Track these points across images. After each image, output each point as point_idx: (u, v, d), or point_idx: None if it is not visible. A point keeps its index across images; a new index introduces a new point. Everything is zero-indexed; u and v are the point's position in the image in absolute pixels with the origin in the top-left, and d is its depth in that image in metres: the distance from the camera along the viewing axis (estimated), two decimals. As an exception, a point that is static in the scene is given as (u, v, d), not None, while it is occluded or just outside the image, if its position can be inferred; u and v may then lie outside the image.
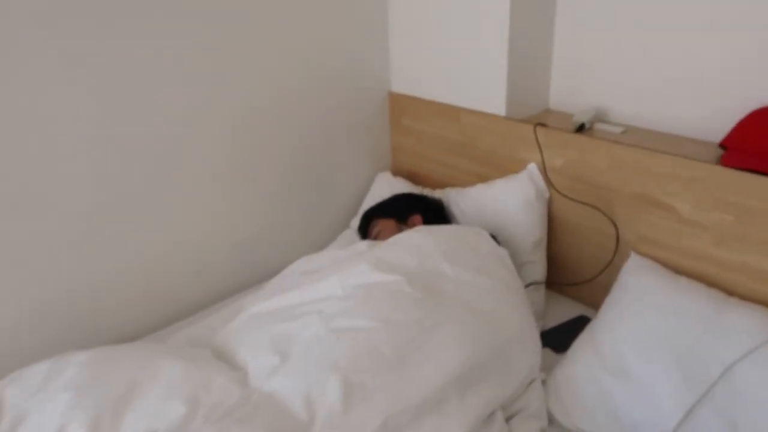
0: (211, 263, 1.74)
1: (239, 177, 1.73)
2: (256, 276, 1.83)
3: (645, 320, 1.31)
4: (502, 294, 1.33)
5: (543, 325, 1.58)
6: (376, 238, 1.72)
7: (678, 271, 1.43)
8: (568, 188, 1.62)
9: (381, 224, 1.73)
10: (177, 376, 1.14)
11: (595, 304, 1.62)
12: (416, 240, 1.40)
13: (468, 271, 1.34)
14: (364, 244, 1.52)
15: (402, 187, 1.97)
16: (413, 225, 1.70)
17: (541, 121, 1.69)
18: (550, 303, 1.67)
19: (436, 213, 1.76)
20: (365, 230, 1.78)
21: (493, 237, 1.53)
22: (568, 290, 1.72)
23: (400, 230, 1.70)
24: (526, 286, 1.58)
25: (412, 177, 2.08)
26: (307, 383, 1.04)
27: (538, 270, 1.63)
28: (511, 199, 1.66)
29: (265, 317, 1.32)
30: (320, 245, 1.94)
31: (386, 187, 1.98)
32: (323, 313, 1.23)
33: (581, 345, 1.37)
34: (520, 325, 1.30)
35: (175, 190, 1.60)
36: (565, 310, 1.65)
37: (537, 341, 1.32)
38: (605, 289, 1.52)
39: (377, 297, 1.22)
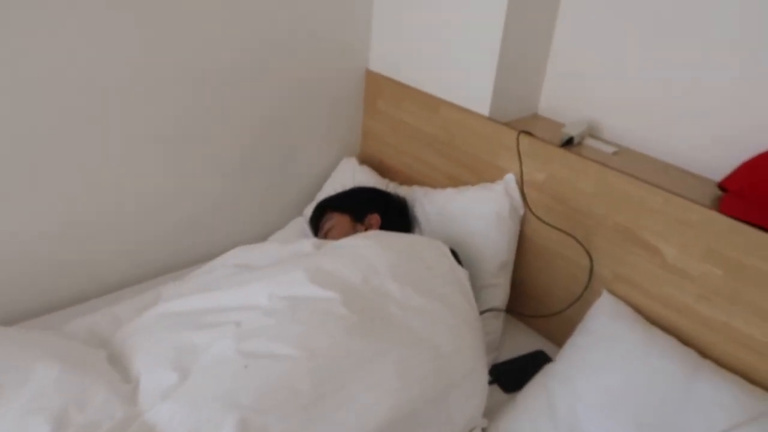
0: (144, 239, 1.54)
1: (188, 144, 1.52)
2: (195, 257, 1.64)
3: (608, 376, 1.15)
4: (454, 325, 1.16)
5: (496, 357, 1.42)
6: (326, 234, 1.54)
7: (652, 320, 1.28)
8: (545, 208, 1.44)
9: (335, 219, 1.54)
10: (50, 384, 0.95)
11: (557, 339, 1.47)
12: (364, 250, 1.22)
13: (419, 295, 1.16)
14: (309, 244, 1.34)
15: (367, 176, 1.77)
16: (370, 225, 1.52)
17: (527, 126, 1.50)
18: (508, 331, 1.50)
19: (397, 214, 1.58)
20: (316, 223, 1.59)
21: (454, 253, 1.35)
22: (530, 319, 1.56)
23: (354, 229, 1.52)
24: (483, 312, 1.41)
25: (379, 167, 1.89)
26: (197, 419, 0.86)
27: (500, 295, 1.46)
28: (481, 211, 1.48)
29: (175, 319, 1.14)
30: (268, 231, 1.74)
31: (349, 174, 1.79)
32: (240, 327, 1.05)
33: (533, 392, 1.22)
34: (470, 365, 1.13)
35: (107, 149, 1.39)
36: (523, 342, 1.49)
37: (484, 385, 1.15)
38: (570, 325, 1.36)
39: (304, 317, 1.04)
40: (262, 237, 1.73)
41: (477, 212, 1.48)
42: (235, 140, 1.61)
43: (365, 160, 1.93)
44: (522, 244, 1.51)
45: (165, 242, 1.58)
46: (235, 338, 1.01)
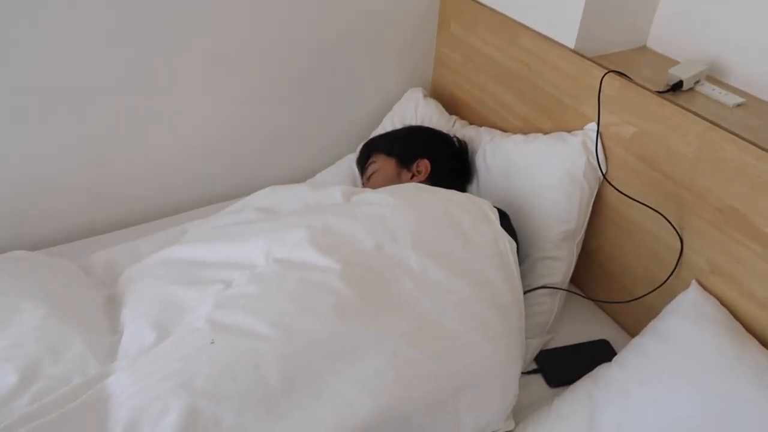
0: (193, 167, 1.46)
1: (245, 66, 1.39)
2: (241, 190, 1.53)
3: (675, 395, 0.91)
4: (482, 310, 0.96)
5: (548, 341, 1.20)
6: (369, 178, 1.36)
7: (751, 330, 0.99)
8: (630, 171, 1.14)
9: (380, 162, 1.35)
10: (28, 332, 0.90)
11: (631, 327, 1.22)
12: (386, 209, 1.03)
13: (443, 269, 0.97)
14: (339, 192, 1.17)
15: (431, 111, 1.54)
16: (417, 173, 1.32)
17: (626, 63, 1.18)
18: (571, 311, 1.26)
19: (452, 162, 1.35)
20: (362, 165, 1.41)
21: (505, 217, 1.12)
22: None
23: (398, 176, 1.33)
24: (535, 289, 1.19)
25: (450, 101, 1.64)
26: (146, 397, 0.76)
27: (561, 270, 1.21)
28: (550, 166, 1.21)
29: (173, 268, 1.04)
30: (321, 166, 1.59)
31: (412, 107, 1.57)
32: (228, 288, 0.93)
33: (575, 397, 1.00)
34: (495, 360, 0.94)
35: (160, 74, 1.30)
36: (586, 326, 1.25)
37: (514, 383, 0.96)
38: (650, 312, 1.11)
39: (291, 289, 0.89)
40: (313, 173, 1.58)
41: (544, 167, 1.22)
42: (299, 63, 1.45)
43: (437, 92, 1.69)
44: (598, 210, 1.24)
45: (212, 174, 1.49)
46: (214, 303, 0.89)
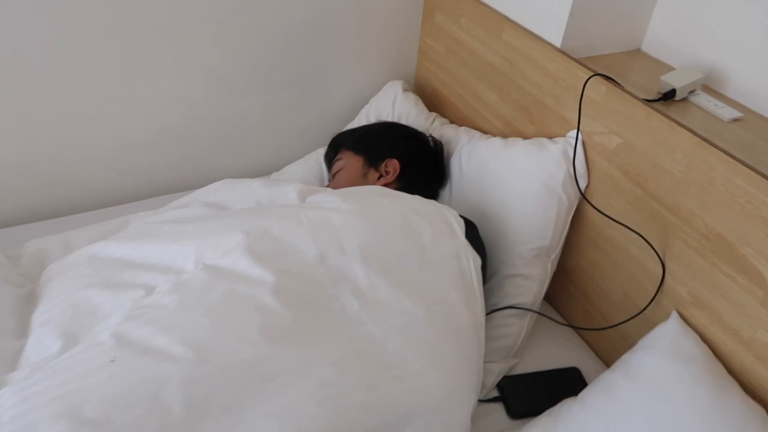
0: (152, 159, 1.35)
1: (212, 48, 1.28)
2: (200, 182, 1.43)
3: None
4: (432, 334, 0.86)
5: (514, 365, 1.10)
6: (334, 176, 1.26)
7: (735, 372, 0.89)
8: (612, 187, 1.04)
9: (346, 159, 1.25)
10: None
11: (603, 355, 1.12)
12: (337, 215, 0.92)
13: (393, 287, 0.86)
14: (294, 192, 1.07)
15: (409, 107, 1.44)
16: (386, 173, 1.22)
17: (617, 66, 1.08)
18: (541, 334, 1.16)
19: (423, 163, 1.24)
20: (329, 160, 1.31)
21: (471, 227, 1.02)
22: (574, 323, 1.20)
23: (364, 176, 1.22)
24: (501, 308, 1.08)
25: (432, 97, 1.53)
26: (18, 426, 0.66)
27: (532, 290, 1.11)
28: (526, 175, 1.11)
29: (101, 266, 0.94)
30: (287, 159, 1.49)
31: (389, 102, 1.46)
32: (150, 296, 0.82)
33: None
34: (447, 389, 0.84)
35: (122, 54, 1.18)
36: (556, 349, 1.14)
37: (463, 421, 0.86)
38: (623, 342, 1.02)
39: (215, 303, 0.78)
40: (278, 166, 1.48)
41: (521, 176, 1.12)
42: (268, 44, 1.34)
43: (420, 86, 1.58)
44: (577, 227, 1.13)
45: (167, 161, 1.39)
46: (126, 313, 0.79)
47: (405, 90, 1.48)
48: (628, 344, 1.02)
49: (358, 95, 1.53)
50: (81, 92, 1.21)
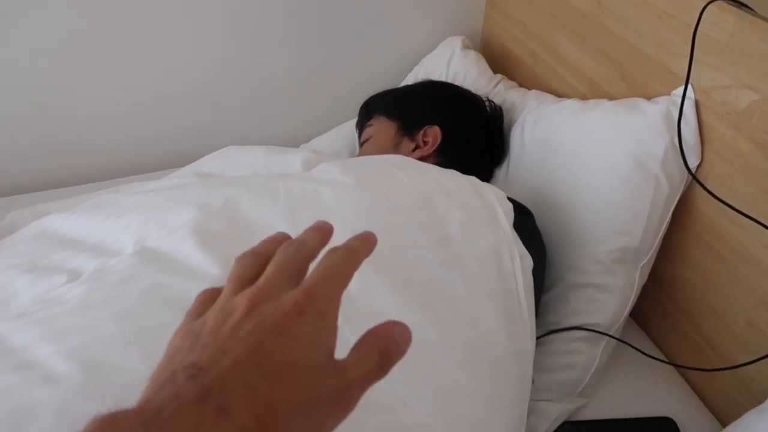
0: (158, 121, 1.18)
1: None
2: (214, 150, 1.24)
3: None
4: (448, 368, 0.59)
5: (579, 408, 0.80)
6: (362, 145, 1.01)
7: None
8: (739, 168, 0.71)
9: (377, 125, 1.00)
10: None
11: (713, 403, 0.80)
12: (326, 188, 0.67)
13: (396, 293, 0.60)
14: (300, 159, 0.83)
15: (468, 66, 1.16)
16: (424, 144, 0.95)
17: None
18: (620, 364, 0.85)
19: (474, 135, 0.97)
20: (361, 127, 1.06)
21: (523, 216, 0.74)
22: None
23: (397, 146, 0.97)
24: (564, 330, 0.79)
25: (500, 57, 1.24)
26: None
27: (611, 307, 0.80)
28: (610, 147, 0.80)
29: (41, 242, 0.75)
30: (318, 129, 1.26)
31: (443, 61, 1.19)
32: (63, 286, 0.62)
33: None
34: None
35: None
36: (642, 389, 0.83)
37: None
38: (745, 390, 0.70)
39: (130, 300, 0.56)
40: (306, 138, 1.25)
41: (600, 149, 0.81)
42: None
43: (486, 44, 1.30)
44: (681, 222, 0.81)
45: (184, 131, 1.20)
46: (23, 307, 0.58)
47: (465, 47, 1.20)
48: (753, 395, 0.70)
49: (407, 55, 1.26)
50: (81, 46, 1.05)
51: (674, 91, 0.78)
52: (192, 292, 0.52)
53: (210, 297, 0.34)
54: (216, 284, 0.53)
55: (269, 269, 0.33)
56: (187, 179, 0.87)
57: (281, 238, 0.37)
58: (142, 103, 1.14)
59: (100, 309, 0.55)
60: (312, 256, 0.35)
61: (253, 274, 0.33)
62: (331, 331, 0.31)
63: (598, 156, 0.81)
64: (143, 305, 0.55)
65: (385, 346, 0.32)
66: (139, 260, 0.60)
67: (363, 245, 0.35)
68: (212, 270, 0.58)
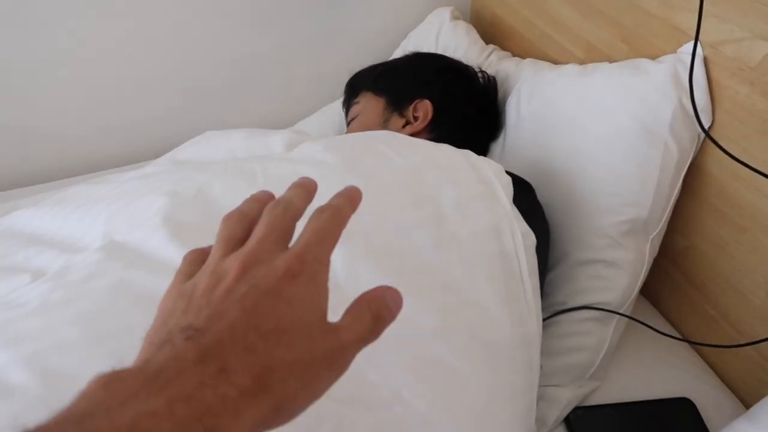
0: (134, 109, 1.11)
1: None
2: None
3: None
4: (451, 358, 0.54)
5: (591, 391, 0.75)
6: (349, 124, 0.96)
7: None
8: (754, 127, 0.66)
9: (364, 102, 0.94)
10: None
11: (733, 382, 0.75)
12: (308, 168, 0.62)
13: (387, 276, 0.55)
14: (282, 141, 0.77)
15: (458, 38, 1.10)
16: (414, 119, 0.90)
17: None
18: (632, 343, 0.80)
19: (467, 108, 0.91)
20: (347, 105, 1.00)
21: (523, 189, 0.69)
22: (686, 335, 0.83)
23: (386, 123, 0.91)
24: (572, 310, 0.74)
25: (491, 27, 1.18)
26: None
27: (620, 283, 0.75)
28: (613, 112, 0.75)
29: (11, 238, 0.70)
30: (303, 111, 1.20)
31: (432, 33, 1.13)
32: (25, 287, 0.56)
33: None
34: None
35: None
36: (656, 370, 0.79)
37: None
38: (763, 364, 0.64)
39: (89, 303, 0.50)
40: (291, 121, 1.19)
41: (603, 114, 0.75)
42: None
43: (476, 15, 1.23)
44: (692, 189, 0.76)
45: (162, 118, 1.14)
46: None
47: (455, 18, 1.14)
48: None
49: (394, 30, 1.20)
50: (42, 26, 0.98)
51: (681, 49, 0.73)
52: (162, 288, 0.47)
53: (198, 257, 0.35)
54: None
55: (258, 231, 0.32)
56: (160, 167, 0.82)
57: (265, 197, 0.37)
58: (110, 90, 1.07)
59: (61, 310, 0.50)
60: (299, 215, 0.35)
61: (240, 235, 0.33)
62: (323, 293, 0.31)
63: (600, 123, 0.75)
64: (108, 305, 0.50)
65: (377, 309, 0.32)
66: (104, 255, 0.55)
67: (348, 202, 0.35)
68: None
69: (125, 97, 1.09)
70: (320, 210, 0.34)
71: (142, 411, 0.24)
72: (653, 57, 0.77)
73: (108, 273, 0.53)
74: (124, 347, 0.45)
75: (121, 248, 0.56)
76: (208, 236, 0.56)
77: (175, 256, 0.53)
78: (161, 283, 0.50)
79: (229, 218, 0.35)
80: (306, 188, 0.37)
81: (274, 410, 0.27)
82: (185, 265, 0.35)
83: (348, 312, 0.32)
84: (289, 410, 0.28)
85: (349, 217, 0.35)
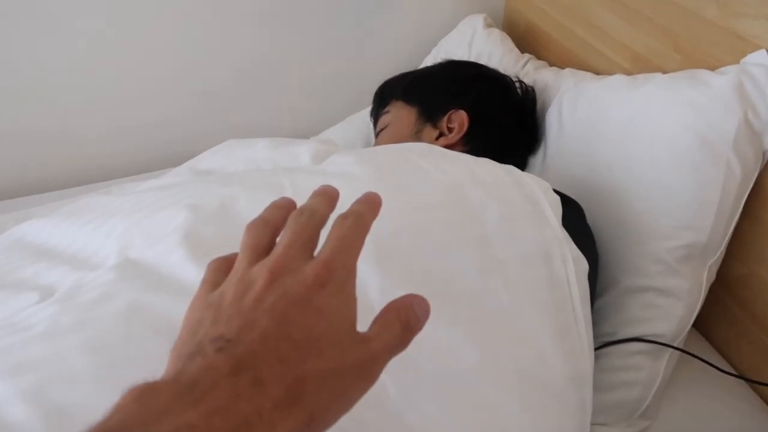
0: (142, 115, 1.07)
1: None
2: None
3: None
4: (496, 398, 0.48)
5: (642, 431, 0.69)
6: (378, 135, 0.91)
7: None
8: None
9: (394, 112, 0.89)
10: None
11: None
12: (338, 183, 0.56)
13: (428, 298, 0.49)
14: (309, 152, 0.72)
15: (492, 46, 1.05)
16: (449, 131, 0.84)
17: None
18: (687, 379, 0.73)
19: (505, 119, 0.86)
20: (376, 114, 0.95)
21: (572, 209, 0.63)
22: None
23: (418, 135, 0.86)
24: (621, 341, 0.68)
25: (526, 35, 1.13)
26: None
27: (675, 313, 0.68)
28: (669, 126, 0.69)
29: (22, 251, 0.65)
30: (328, 120, 1.15)
31: (464, 41, 1.08)
32: (46, 301, 0.52)
33: None
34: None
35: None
36: (711, 408, 0.72)
37: None
38: None
39: (100, 329, 0.45)
40: (314, 131, 1.15)
41: (658, 129, 0.69)
42: None
43: (509, 22, 1.18)
44: (753, 212, 0.69)
45: (175, 125, 1.10)
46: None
47: (488, 25, 1.09)
48: None
49: (424, 37, 1.15)
50: (62, 31, 0.95)
51: (745, 59, 0.67)
52: (180, 313, 0.42)
53: (222, 266, 0.34)
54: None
55: (284, 239, 0.32)
56: (181, 177, 0.77)
57: (287, 204, 0.37)
58: (129, 98, 1.04)
59: (68, 336, 0.45)
60: (323, 223, 0.34)
61: (265, 243, 0.33)
62: (352, 302, 0.31)
63: (654, 138, 0.69)
64: (121, 331, 0.45)
65: (406, 317, 0.32)
66: (119, 275, 0.50)
67: (369, 208, 0.35)
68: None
69: (140, 99, 1.05)
70: (343, 217, 0.33)
71: (179, 424, 0.23)
72: (711, 68, 0.71)
73: (121, 295, 0.48)
74: (136, 379, 0.40)
75: (136, 267, 0.51)
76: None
77: (194, 276, 0.48)
78: (179, 307, 0.45)
79: (253, 226, 0.35)
80: (329, 195, 0.36)
81: (307, 422, 0.26)
82: (210, 273, 0.35)
83: (376, 321, 0.31)
84: (321, 422, 0.27)
85: (371, 222, 0.34)
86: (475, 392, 0.48)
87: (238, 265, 0.32)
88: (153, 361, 0.43)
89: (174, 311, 0.45)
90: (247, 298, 0.29)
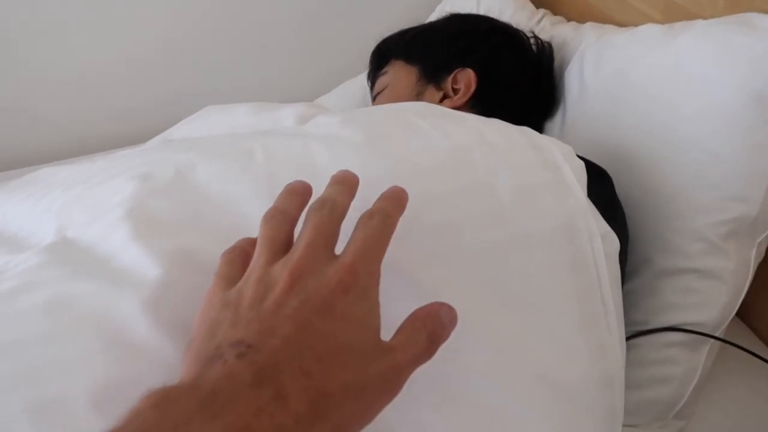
0: (135, 85, 0.99)
1: None
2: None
3: None
4: (509, 402, 0.40)
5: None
6: (375, 98, 0.81)
7: None
8: None
9: (393, 72, 0.80)
10: None
11: None
12: (319, 148, 0.47)
13: (427, 296, 0.40)
14: (294, 114, 0.62)
15: (503, 1, 0.95)
16: (454, 92, 0.75)
17: None
18: (731, 372, 0.64)
19: (519, 79, 0.76)
20: (373, 76, 0.86)
21: (599, 178, 0.54)
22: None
23: (419, 96, 0.76)
24: (656, 331, 0.59)
25: (540, -11, 1.02)
26: None
27: (718, 297, 0.59)
28: (713, 80, 0.58)
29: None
30: (324, 86, 1.06)
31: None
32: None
33: None
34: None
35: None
36: (757, 407, 0.63)
37: None
38: None
39: (19, 329, 0.37)
40: (310, 97, 1.05)
41: (699, 85, 0.59)
42: None
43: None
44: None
45: (165, 96, 1.01)
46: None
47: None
48: None
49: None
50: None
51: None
52: (114, 309, 0.34)
53: (237, 258, 0.33)
54: (156, 293, 0.36)
55: (304, 235, 0.31)
56: (140, 148, 0.69)
57: (303, 189, 0.35)
58: (113, 67, 0.97)
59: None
60: (344, 215, 0.33)
61: (283, 236, 0.32)
62: (375, 309, 0.30)
63: (696, 94, 0.59)
64: (39, 329, 0.36)
65: (432, 326, 0.31)
66: (45, 259, 0.41)
67: (396, 205, 0.34)
68: (151, 271, 0.38)
69: (131, 75, 0.99)
70: (368, 216, 0.32)
71: None
72: (763, 11, 0.61)
73: (45, 285, 0.39)
74: (49, 391, 0.31)
75: (69, 249, 0.42)
76: (184, 234, 0.42)
77: (137, 260, 0.39)
78: (113, 300, 0.36)
79: (271, 216, 0.33)
80: (349, 183, 0.35)
81: None
82: (224, 267, 0.33)
83: (401, 330, 0.30)
84: None
85: (397, 221, 0.33)
86: (482, 398, 0.40)
87: (256, 261, 0.31)
88: (76, 367, 0.35)
89: (106, 304, 0.37)
90: (268, 301, 0.28)
